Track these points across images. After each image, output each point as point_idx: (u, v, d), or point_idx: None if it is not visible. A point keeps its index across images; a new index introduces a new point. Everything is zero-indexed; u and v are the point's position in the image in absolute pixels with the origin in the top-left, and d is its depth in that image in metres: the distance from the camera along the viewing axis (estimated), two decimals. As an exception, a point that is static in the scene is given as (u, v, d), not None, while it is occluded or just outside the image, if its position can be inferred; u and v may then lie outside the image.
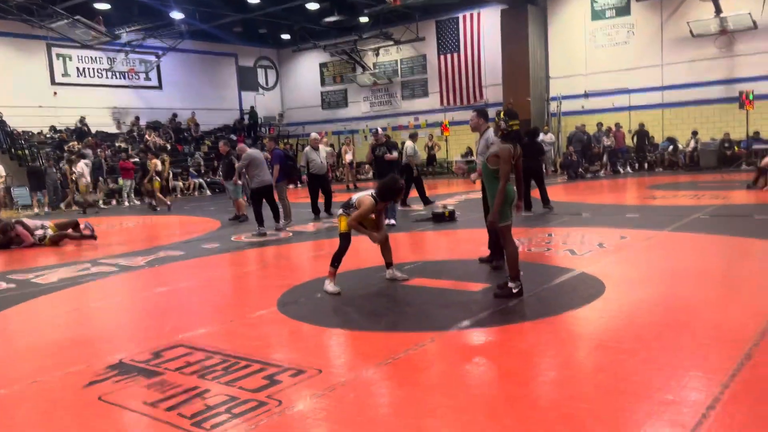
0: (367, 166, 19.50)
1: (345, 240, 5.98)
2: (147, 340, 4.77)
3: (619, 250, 7.25)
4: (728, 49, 19.56)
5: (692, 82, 20.07)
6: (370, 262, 7.24)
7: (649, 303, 5.01)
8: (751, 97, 18.19)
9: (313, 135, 12.49)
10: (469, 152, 23.57)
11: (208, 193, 22.02)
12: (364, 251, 7.37)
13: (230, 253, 8.97)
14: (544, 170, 20.68)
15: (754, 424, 2.85)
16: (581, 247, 7.46)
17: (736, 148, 19.10)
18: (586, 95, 22.01)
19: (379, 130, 11.68)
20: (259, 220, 10.40)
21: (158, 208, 16.55)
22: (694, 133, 19.89)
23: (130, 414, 3.43)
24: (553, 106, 22.77)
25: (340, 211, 6.10)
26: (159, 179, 17.34)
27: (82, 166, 17.18)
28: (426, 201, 13.06)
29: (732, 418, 2.93)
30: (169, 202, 16.75)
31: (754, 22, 18.57)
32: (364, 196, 6.00)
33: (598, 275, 5.94)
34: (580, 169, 19.45)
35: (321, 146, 12.12)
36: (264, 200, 10.43)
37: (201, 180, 22.38)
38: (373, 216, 6.05)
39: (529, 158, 11.21)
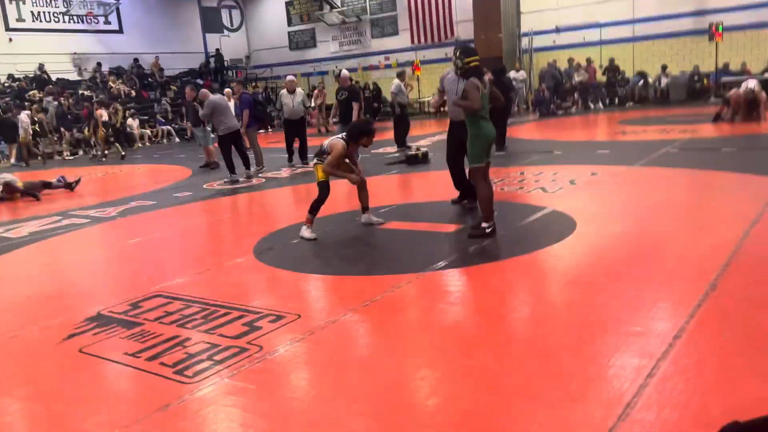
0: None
1: (323, 188, 5.96)
2: (124, 292, 4.76)
3: (590, 186, 7.36)
4: (699, -21, 19.39)
5: (663, 15, 19.94)
6: (346, 206, 7.25)
7: (619, 238, 5.13)
8: (720, 28, 18.18)
9: (289, 77, 12.01)
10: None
11: (177, 140, 21.59)
12: (341, 195, 7.37)
13: (203, 201, 8.89)
14: (516, 108, 20.83)
15: (717, 351, 2.98)
16: (553, 184, 7.55)
17: (705, 81, 19.22)
18: (558, 30, 21.75)
19: (344, 72, 11.35)
20: (230, 168, 10.27)
21: (104, 159, 16.32)
22: (664, 68, 19.92)
23: (111, 365, 3.46)
24: (524, 42, 22.52)
25: (315, 159, 6.05)
26: (105, 129, 16.83)
27: (23, 117, 16.61)
28: (401, 143, 12.95)
29: (696, 345, 3.06)
30: (123, 153, 16.60)
31: (725, -48, 18.37)
32: (335, 140, 5.96)
33: (569, 212, 6.04)
34: (552, 106, 19.45)
35: (298, 90, 11.60)
36: (233, 147, 10.26)
37: (169, 127, 21.88)
38: (347, 159, 6.03)
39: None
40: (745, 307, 3.48)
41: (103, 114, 17.02)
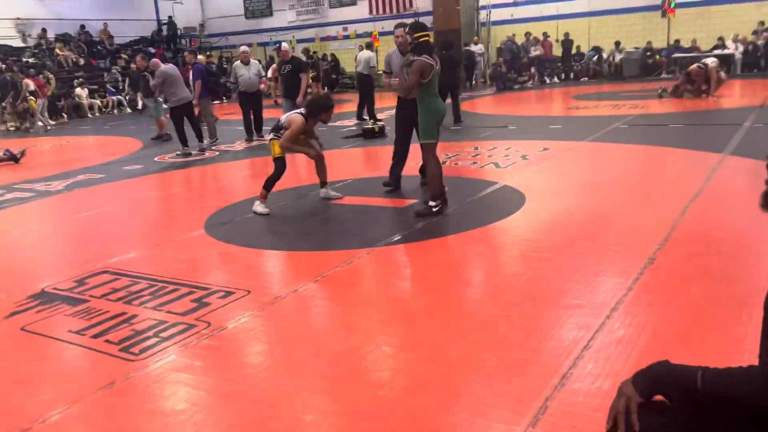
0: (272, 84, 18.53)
1: (280, 164, 5.91)
2: (70, 268, 4.67)
3: (541, 161, 7.49)
4: (653, -44, 19.64)
5: (618, -10, 20.19)
6: (304, 180, 7.22)
7: (566, 213, 5.26)
8: (673, 4, 18.53)
9: (243, 48, 11.68)
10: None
11: (129, 111, 21.00)
12: (297, 169, 7.33)
13: (154, 174, 8.72)
14: (474, 81, 20.91)
15: (650, 323, 3.12)
16: (505, 160, 7.66)
17: (657, 57, 19.61)
18: (515, 3, 21.82)
19: (284, 45, 11.06)
20: (182, 140, 10.06)
21: (31, 130, 15.81)
22: (617, 43, 20.23)
23: (55, 343, 3.41)
24: (482, 16, 22.53)
25: (271, 134, 6.00)
26: (33, 98, 16.18)
27: None
28: (360, 116, 12.83)
29: (632, 317, 3.19)
30: (48, 123, 16.07)
31: (679, -72, 18.63)
32: (294, 114, 5.92)
33: (519, 187, 6.15)
34: (509, 80, 19.59)
35: (253, 61, 11.28)
36: (186, 118, 10.03)
37: (120, 97, 21.24)
38: (303, 136, 5.99)
39: (445, 71, 11.21)
40: (678, 281, 3.63)
41: (29, 83, 16.28)
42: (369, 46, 13.61)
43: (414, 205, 5.79)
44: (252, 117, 11.26)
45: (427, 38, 5.32)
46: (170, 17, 26.69)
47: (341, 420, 2.48)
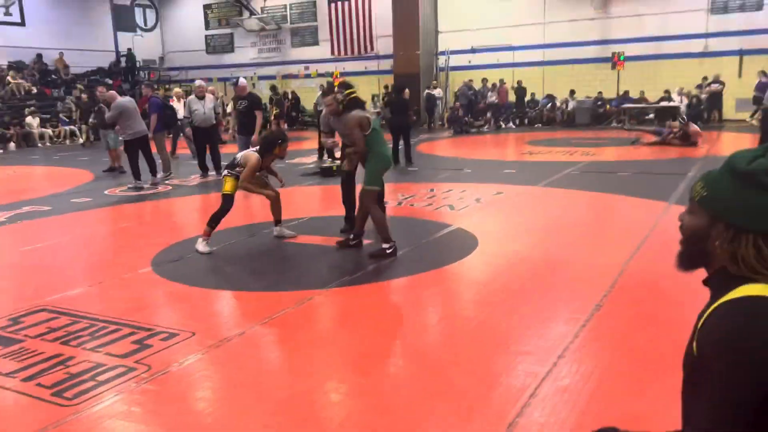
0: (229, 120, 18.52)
1: (227, 201, 5.84)
2: (5, 305, 4.46)
3: (495, 205, 7.60)
4: (604, 11, 20.58)
5: (570, 42, 21.02)
6: (257, 218, 7.14)
7: (517, 257, 5.32)
8: (622, 57, 19.39)
9: (198, 82, 11.49)
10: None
11: (81, 141, 20.55)
12: (252, 206, 7.24)
13: (103, 208, 8.48)
14: (433, 124, 21.29)
15: (596, 370, 3.14)
16: (460, 202, 7.75)
17: (607, 106, 20.38)
18: (473, 50, 22.47)
19: (241, 80, 11.01)
20: (135, 174, 9.86)
21: None
22: (571, 92, 20.97)
23: (-18, 386, 3.22)
24: (441, 61, 23.09)
25: (225, 171, 5.94)
26: None
27: None
28: (321, 154, 12.76)
29: (578, 364, 3.21)
30: None
31: (628, -14, 19.64)
32: (249, 152, 5.89)
33: (473, 230, 6.21)
34: (465, 124, 20.00)
35: (208, 95, 11.07)
36: (140, 152, 9.85)
37: (73, 127, 20.79)
38: (261, 173, 5.96)
39: (397, 114, 11.37)
40: (624, 327, 3.69)
41: None
42: (326, 85, 13.73)
43: (368, 246, 5.77)
44: (209, 153, 10.95)
45: (355, 95, 5.56)
46: (129, 49, 26.49)
47: (283, 471, 2.40)
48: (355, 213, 5.84)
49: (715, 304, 1.33)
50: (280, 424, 2.73)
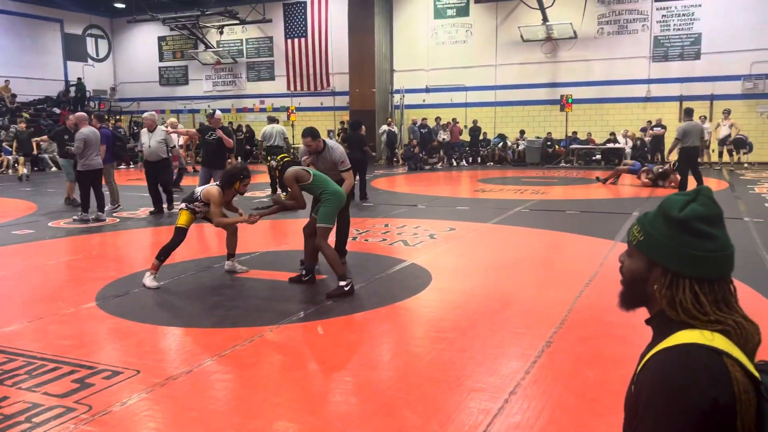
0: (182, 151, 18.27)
1: (180, 234, 5.75)
2: (-65, 342, 4.21)
3: (448, 241, 7.68)
4: (553, 55, 21.40)
5: (521, 84, 21.73)
6: (208, 252, 7.00)
7: (470, 293, 5.36)
8: (570, 100, 20.10)
9: (145, 114, 11.14)
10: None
11: (25, 171, 19.88)
12: (204, 239, 7.10)
13: (46, 240, 8.19)
14: (396, 160, 21.49)
15: (547, 405, 3.16)
16: (414, 238, 7.79)
17: (557, 147, 21.02)
18: (427, 90, 22.95)
19: (218, 112, 10.95)
20: (85, 205, 9.56)
21: None
22: (522, 132, 21.57)
23: None
24: (396, 99, 23.47)
25: (182, 204, 5.86)
26: None
27: None
28: (275, 191, 12.66)
29: (529, 400, 3.23)
30: None
31: (575, 32, 20.49)
32: (210, 187, 5.83)
33: (426, 266, 6.24)
34: (420, 161, 20.27)
35: (159, 128, 10.74)
36: (91, 186, 9.54)
37: (17, 156, 20.11)
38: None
39: (354, 150, 11.48)
40: (573, 363, 3.74)
41: None
42: (274, 120, 13.72)
43: (321, 282, 5.73)
44: (160, 188, 10.48)
45: (288, 159, 6.00)
46: (79, 79, 26.01)
47: None
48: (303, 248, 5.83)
49: (654, 350, 1.35)
50: (227, 466, 2.64)
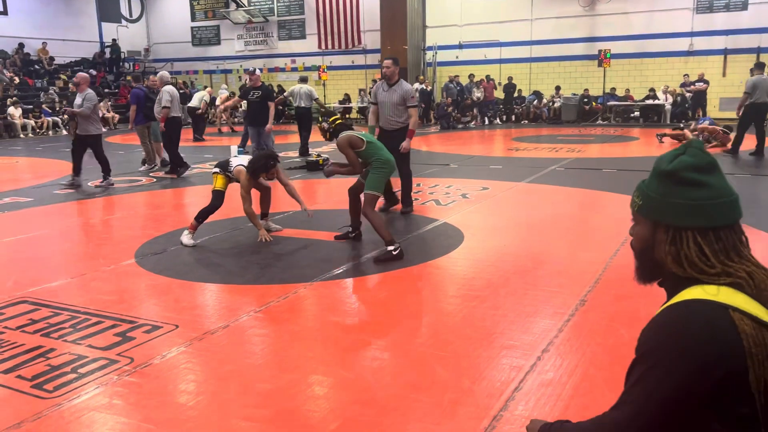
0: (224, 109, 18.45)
1: (218, 198, 5.84)
2: (-15, 297, 4.39)
3: (480, 200, 7.62)
4: (590, 8, 20.68)
5: (557, 39, 21.10)
6: (241, 211, 7.08)
7: (502, 252, 5.33)
8: (608, 55, 19.49)
9: (161, 73, 11.06)
10: (347, 98, 23.42)
11: (64, 132, 20.29)
12: (236, 200, 7.16)
13: (86, 200, 8.39)
14: (429, 120, 21.28)
15: (579, 364, 3.16)
16: (446, 197, 7.75)
17: (593, 104, 20.50)
18: (461, 46, 22.48)
19: (257, 70, 10.99)
20: (76, 169, 9.40)
21: None
22: (557, 89, 21.06)
23: (-40, 379, 3.17)
24: (429, 56, 23.07)
25: (216, 169, 5.93)
26: None
27: None
28: (303, 153, 12.63)
29: (562, 358, 3.23)
30: None
31: (614, -16, 19.73)
32: (241, 167, 5.77)
33: (459, 225, 6.22)
34: (453, 119, 20.03)
35: (166, 88, 10.10)
36: (92, 150, 9.42)
37: (56, 118, 20.54)
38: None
39: None
40: (608, 322, 3.71)
41: None
42: (304, 80, 13.63)
43: (352, 240, 5.77)
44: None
45: (340, 121, 5.72)
46: (114, 40, 26.20)
47: (266, 464, 2.39)
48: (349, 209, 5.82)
49: (659, 310, 1.34)
50: (264, 417, 2.72)
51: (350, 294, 4.52)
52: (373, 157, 5.39)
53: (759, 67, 11.20)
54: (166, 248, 5.66)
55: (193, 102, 16.81)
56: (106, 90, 23.71)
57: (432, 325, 3.81)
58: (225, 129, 19.97)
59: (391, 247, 5.16)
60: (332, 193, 8.65)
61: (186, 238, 5.71)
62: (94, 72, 23.39)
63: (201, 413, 2.77)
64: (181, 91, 15.68)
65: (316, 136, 12.10)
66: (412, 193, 7.17)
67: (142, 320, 3.86)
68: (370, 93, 21.88)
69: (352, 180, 5.84)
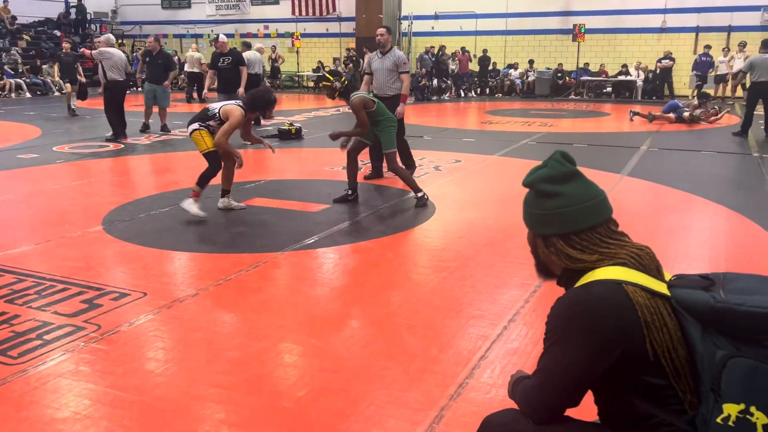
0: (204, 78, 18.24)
1: (214, 160, 5.37)
2: (-54, 263, 4.29)
3: (453, 173, 7.65)
4: (567, -18, 20.64)
5: (533, 12, 21.06)
6: (214, 180, 6.99)
7: (473, 224, 5.38)
8: (582, 30, 19.53)
9: (105, 36, 10.88)
10: (321, 66, 23.12)
11: (28, 95, 19.70)
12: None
13: (51, 165, 8.20)
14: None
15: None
16: (419, 169, 7.76)
17: (567, 78, 20.59)
18: (437, 16, 22.28)
19: (222, 36, 10.77)
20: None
21: None
22: (531, 62, 21.08)
23: None
24: (404, 26, 22.84)
25: (196, 124, 5.37)
26: None
27: None
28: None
29: (527, 327, 3.30)
30: None
31: (591, -42, 19.69)
32: (231, 105, 5.36)
33: (431, 197, 6.23)
34: (427, 91, 19.95)
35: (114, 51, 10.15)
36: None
37: (19, 80, 19.90)
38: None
39: None
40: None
41: None
42: (247, 45, 13.23)
43: (324, 210, 5.76)
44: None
45: (347, 82, 5.98)
46: (80, 0, 25.33)
47: (236, 431, 2.41)
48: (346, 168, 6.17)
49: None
50: (232, 383, 2.73)
51: (321, 264, 4.53)
52: (382, 116, 5.90)
53: (765, 45, 10.73)
54: (135, 215, 5.58)
55: (192, 67, 17.27)
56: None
57: (402, 295, 3.85)
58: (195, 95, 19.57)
59: (420, 193, 5.86)
60: (304, 164, 8.60)
61: (194, 208, 5.32)
62: (58, 33, 22.64)
63: (169, 380, 2.77)
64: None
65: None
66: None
67: (109, 287, 3.82)
68: (344, 62, 21.66)
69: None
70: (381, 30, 7.33)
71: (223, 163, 5.57)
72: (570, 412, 1.49)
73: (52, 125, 12.09)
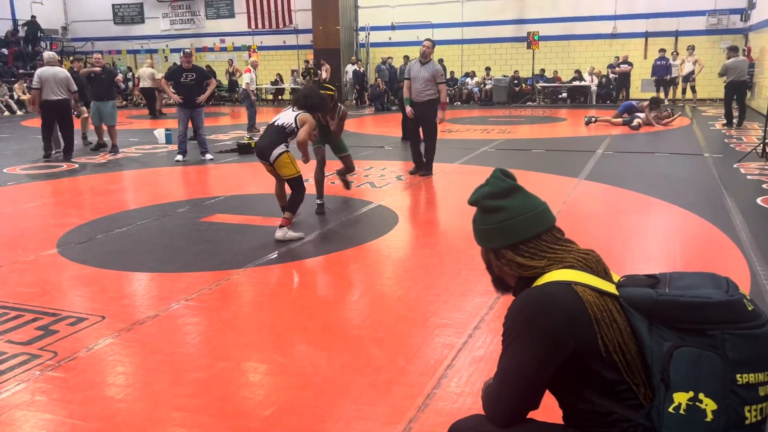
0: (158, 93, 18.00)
1: (301, 185, 5.23)
2: None
3: (414, 182, 7.68)
4: (518, -10, 21.03)
5: (488, 20, 21.39)
6: (170, 197, 6.88)
7: (435, 233, 5.41)
8: (536, 37, 19.91)
9: (46, 54, 10.70)
10: (279, 79, 23.00)
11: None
12: (164, 185, 6.96)
13: (2, 187, 7.94)
14: (364, 102, 21.20)
15: (509, 340, 3.25)
16: (381, 180, 7.78)
17: (523, 85, 20.94)
18: (393, 27, 22.43)
19: (186, 50, 10.69)
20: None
21: None
22: (488, 70, 21.38)
23: None
24: (361, 37, 22.93)
25: (281, 147, 5.11)
26: None
27: None
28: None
29: (492, 335, 3.31)
30: None
31: (542, -33, 20.12)
32: (302, 114, 5.20)
33: (393, 207, 6.25)
34: (387, 101, 20.03)
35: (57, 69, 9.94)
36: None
37: (-34, 100, 19.26)
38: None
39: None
40: (537, 298, 3.83)
41: None
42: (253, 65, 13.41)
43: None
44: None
45: (332, 92, 6.05)
46: (33, 17, 24.68)
47: (199, 454, 2.35)
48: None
49: None
50: (196, 406, 2.67)
51: (285, 279, 4.49)
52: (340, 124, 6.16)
53: (733, 50, 12.66)
54: (92, 236, 5.45)
55: (145, 83, 17.33)
56: (21, 71, 22.42)
57: (367, 307, 3.83)
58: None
59: (320, 201, 6.16)
60: (264, 178, 8.51)
61: (291, 233, 5.18)
62: (5, 51, 22.02)
63: (130, 406, 2.70)
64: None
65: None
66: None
67: (65, 312, 3.71)
68: (302, 75, 21.62)
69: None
70: (427, 42, 7.97)
71: (276, 184, 5.59)
72: (534, 415, 1.51)
73: (1, 146, 11.72)
